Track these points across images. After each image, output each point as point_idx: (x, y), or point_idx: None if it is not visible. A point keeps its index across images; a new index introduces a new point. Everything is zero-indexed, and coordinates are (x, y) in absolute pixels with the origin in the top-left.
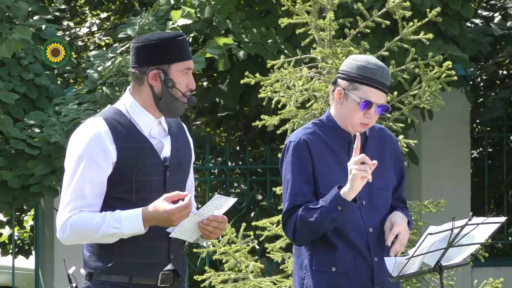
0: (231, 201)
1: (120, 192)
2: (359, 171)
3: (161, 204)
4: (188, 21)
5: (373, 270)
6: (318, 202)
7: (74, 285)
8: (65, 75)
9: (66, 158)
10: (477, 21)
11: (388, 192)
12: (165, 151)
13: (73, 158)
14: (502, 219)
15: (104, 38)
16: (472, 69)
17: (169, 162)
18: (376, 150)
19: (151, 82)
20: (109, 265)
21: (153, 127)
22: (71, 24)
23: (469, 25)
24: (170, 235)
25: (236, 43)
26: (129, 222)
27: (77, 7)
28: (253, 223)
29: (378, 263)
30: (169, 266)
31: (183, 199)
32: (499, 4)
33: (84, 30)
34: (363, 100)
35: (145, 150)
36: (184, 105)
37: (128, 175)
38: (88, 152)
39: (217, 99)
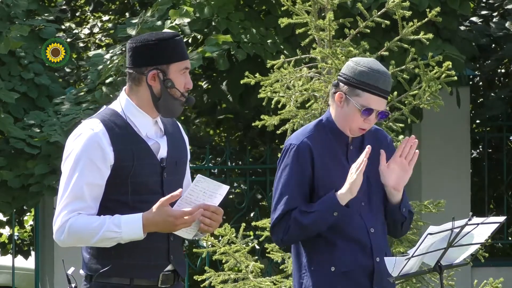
0: (223, 188)
1: (116, 194)
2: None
3: (164, 209)
4: (186, 20)
5: (374, 270)
6: (313, 205)
7: (73, 285)
8: (66, 77)
9: (64, 159)
10: (475, 20)
11: (383, 191)
12: (162, 152)
13: (71, 160)
14: (502, 218)
15: (104, 38)
16: (472, 69)
17: (165, 162)
18: (373, 151)
19: (150, 83)
20: (106, 266)
21: (150, 128)
22: (73, 25)
23: (468, 24)
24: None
25: (235, 43)
26: (128, 227)
27: (77, 7)
28: (253, 223)
29: (380, 263)
30: (169, 267)
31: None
32: (497, 4)
33: (85, 31)
34: (364, 108)
35: (141, 152)
36: (183, 104)
37: (124, 177)
38: (87, 154)
39: (217, 100)
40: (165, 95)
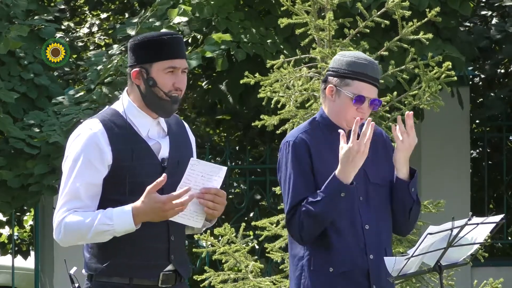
0: (221, 170)
1: (115, 193)
2: (360, 150)
3: (150, 196)
4: (185, 19)
5: (369, 267)
6: (319, 193)
7: (76, 285)
8: (64, 76)
9: (64, 159)
10: (475, 20)
11: (385, 188)
12: (163, 152)
13: (70, 160)
14: (501, 217)
15: (103, 38)
16: (471, 68)
17: (167, 163)
18: (370, 148)
19: (134, 81)
20: (106, 265)
21: (151, 128)
22: (71, 24)
23: (468, 24)
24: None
25: (235, 43)
26: (120, 218)
27: (77, 7)
28: (253, 223)
29: (374, 260)
30: (170, 267)
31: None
32: (497, 4)
33: (84, 30)
34: (355, 95)
35: (141, 152)
36: (173, 103)
37: (123, 176)
38: (84, 153)
39: (216, 100)
40: (149, 94)
